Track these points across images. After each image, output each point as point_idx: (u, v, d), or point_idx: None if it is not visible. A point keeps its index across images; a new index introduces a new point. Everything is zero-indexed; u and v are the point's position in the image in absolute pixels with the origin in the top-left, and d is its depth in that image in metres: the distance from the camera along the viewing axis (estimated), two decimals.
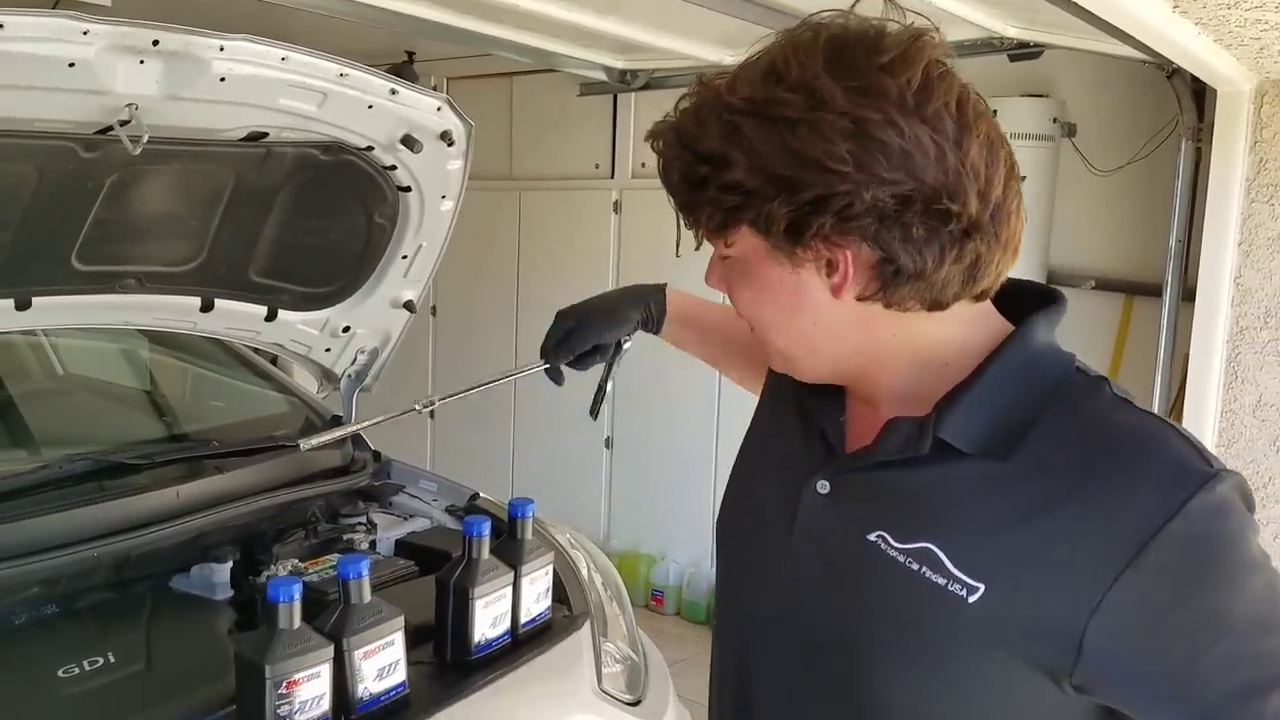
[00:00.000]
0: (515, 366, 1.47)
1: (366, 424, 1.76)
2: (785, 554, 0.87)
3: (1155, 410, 0.84)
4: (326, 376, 2.31)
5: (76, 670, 1.48)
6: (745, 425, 1.05)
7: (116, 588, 1.74)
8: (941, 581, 0.76)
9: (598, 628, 1.85)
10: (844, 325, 0.80)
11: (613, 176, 4.42)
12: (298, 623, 1.30)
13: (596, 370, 1.38)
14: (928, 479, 0.79)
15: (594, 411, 1.44)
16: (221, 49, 1.43)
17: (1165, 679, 0.72)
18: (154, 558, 1.77)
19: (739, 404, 1.11)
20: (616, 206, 4.38)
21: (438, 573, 1.61)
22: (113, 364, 2.59)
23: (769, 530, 0.90)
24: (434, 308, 4.90)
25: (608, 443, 4.56)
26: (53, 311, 1.76)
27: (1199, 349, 2.92)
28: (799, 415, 0.91)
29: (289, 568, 1.82)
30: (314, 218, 1.93)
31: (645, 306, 1.32)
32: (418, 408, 1.58)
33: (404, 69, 4.11)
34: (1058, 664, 0.73)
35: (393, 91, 1.67)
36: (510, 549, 1.65)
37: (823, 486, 0.85)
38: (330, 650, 1.32)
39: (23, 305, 1.69)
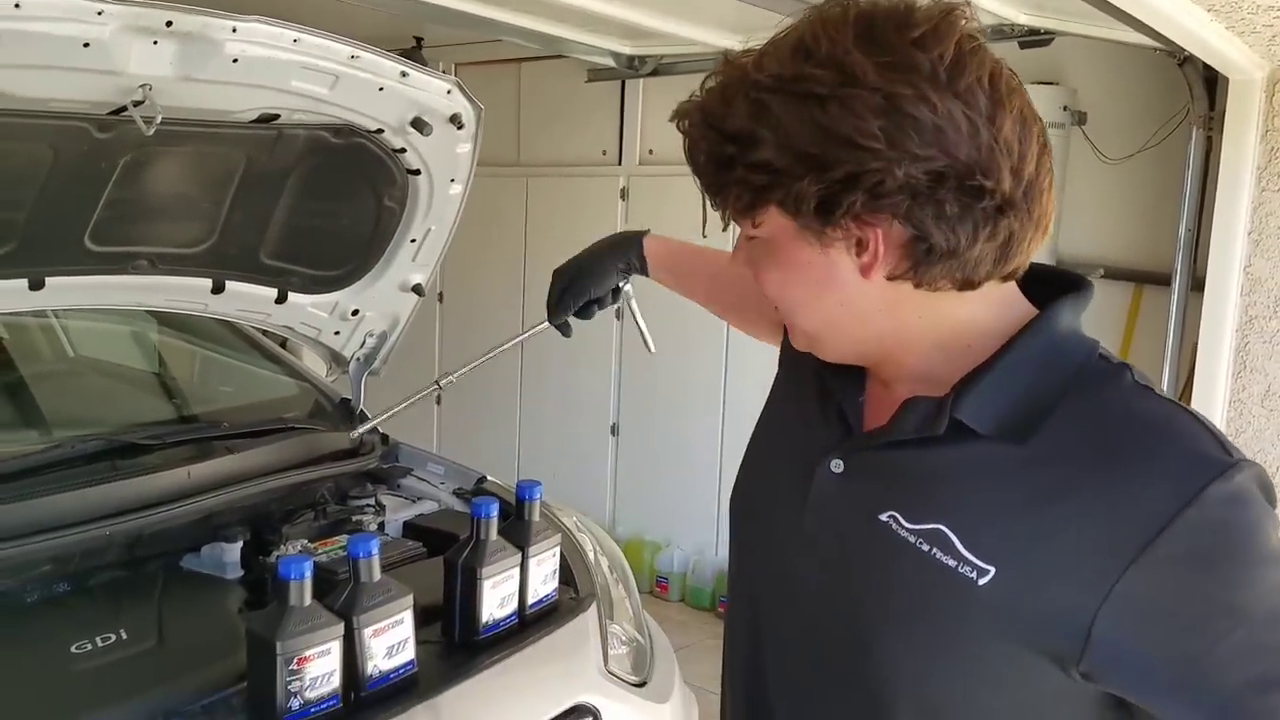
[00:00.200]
0: (523, 330, 1.61)
1: (402, 405, 1.86)
2: (797, 532, 0.87)
3: None
4: (335, 359, 2.32)
5: (89, 646, 1.49)
6: (752, 413, 1.05)
7: (128, 566, 1.75)
8: (952, 563, 0.76)
9: (604, 610, 1.86)
10: (872, 305, 0.79)
11: (620, 163, 4.42)
12: (308, 600, 1.31)
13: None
14: (942, 460, 0.79)
15: (647, 345, 1.65)
16: (234, 30, 1.44)
17: (1176, 669, 0.72)
18: (165, 537, 1.78)
19: (746, 392, 1.12)
20: (624, 193, 4.38)
21: (446, 553, 1.62)
22: (123, 346, 2.61)
23: (781, 508, 0.90)
24: (441, 294, 4.91)
25: (613, 429, 4.57)
26: (66, 292, 1.77)
27: (1208, 338, 2.91)
28: (818, 393, 0.91)
29: (298, 548, 1.83)
30: (324, 200, 1.94)
31: (626, 258, 1.40)
32: (441, 384, 1.79)
33: (412, 55, 4.11)
34: (1065, 651, 0.73)
35: (403, 74, 1.67)
36: (518, 530, 1.65)
37: (836, 465, 0.85)
38: (340, 628, 1.33)
39: (36, 285, 1.70)
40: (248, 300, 2.03)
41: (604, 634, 1.80)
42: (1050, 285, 0.83)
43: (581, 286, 1.43)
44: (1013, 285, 0.81)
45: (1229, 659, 0.71)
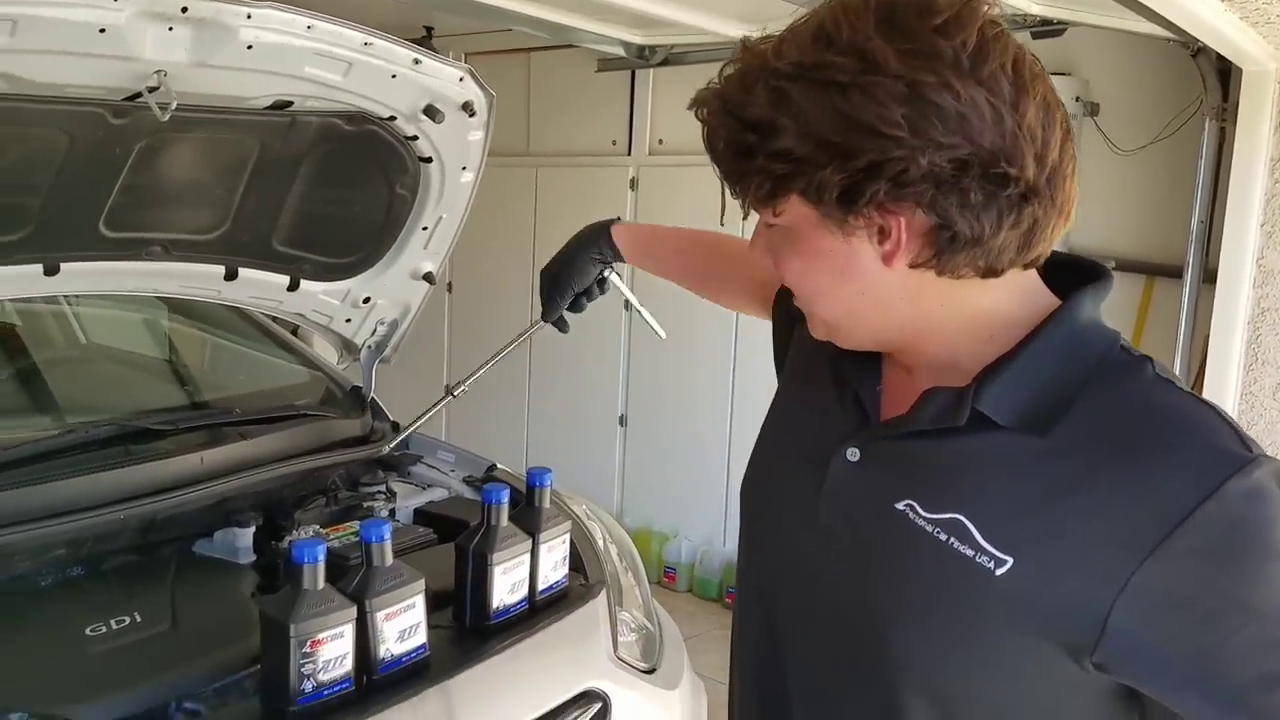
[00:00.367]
0: (524, 328, 1.71)
1: (425, 417, 2.03)
2: (810, 521, 0.87)
3: None
4: (347, 347, 2.33)
5: (103, 629, 1.50)
6: (760, 404, 1.04)
7: (141, 550, 1.77)
8: (969, 553, 0.76)
9: (613, 597, 1.87)
10: (893, 294, 0.79)
11: (630, 153, 4.41)
12: (321, 584, 1.31)
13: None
14: (961, 450, 0.79)
15: (656, 332, 1.76)
16: (249, 16, 1.44)
17: (1189, 662, 0.72)
18: (178, 521, 1.79)
19: (754, 383, 1.12)
20: (633, 184, 4.38)
21: (457, 539, 1.63)
22: (134, 334, 2.62)
23: (795, 496, 0.90)
24: (450, 284, 4.92)
25: (622, 420, 4.58)
26: (80, 277, 1.78)
27: (1219, 330, 2.90)
28: (834, 381, 0.90)
29: (310, 533, 1.84)
30: (336, 188, 1.94)
31: (599, 249, 1.46)
32: (455, 393, 1.92)
33: (422, 44, 4.11)
34: (1080, 641, 0.73)
35: (416, 61, 1.68)
36: (528, 517, 1.66)
37: (853, 454, 0.85)
38: (353, 611, 1.34)
39: (51, 270, 1.71)
40: (260, 287, 2.04)
41: (613, 621, 1.81)
42: (1069, 273, 0.83)
43: (564, 283, 1.51)
44: (1034, 273, 0.81)
45: (1240, 654, 0.71)
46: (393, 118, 1.78)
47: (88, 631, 1.49)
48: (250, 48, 1.47)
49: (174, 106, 1.46)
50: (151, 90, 1.44)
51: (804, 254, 0.81)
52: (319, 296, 2.12)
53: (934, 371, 0.82)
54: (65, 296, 2.35)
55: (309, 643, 1.29)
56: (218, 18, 1.42)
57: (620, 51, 3.98)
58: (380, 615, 1.38)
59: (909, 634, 0.80)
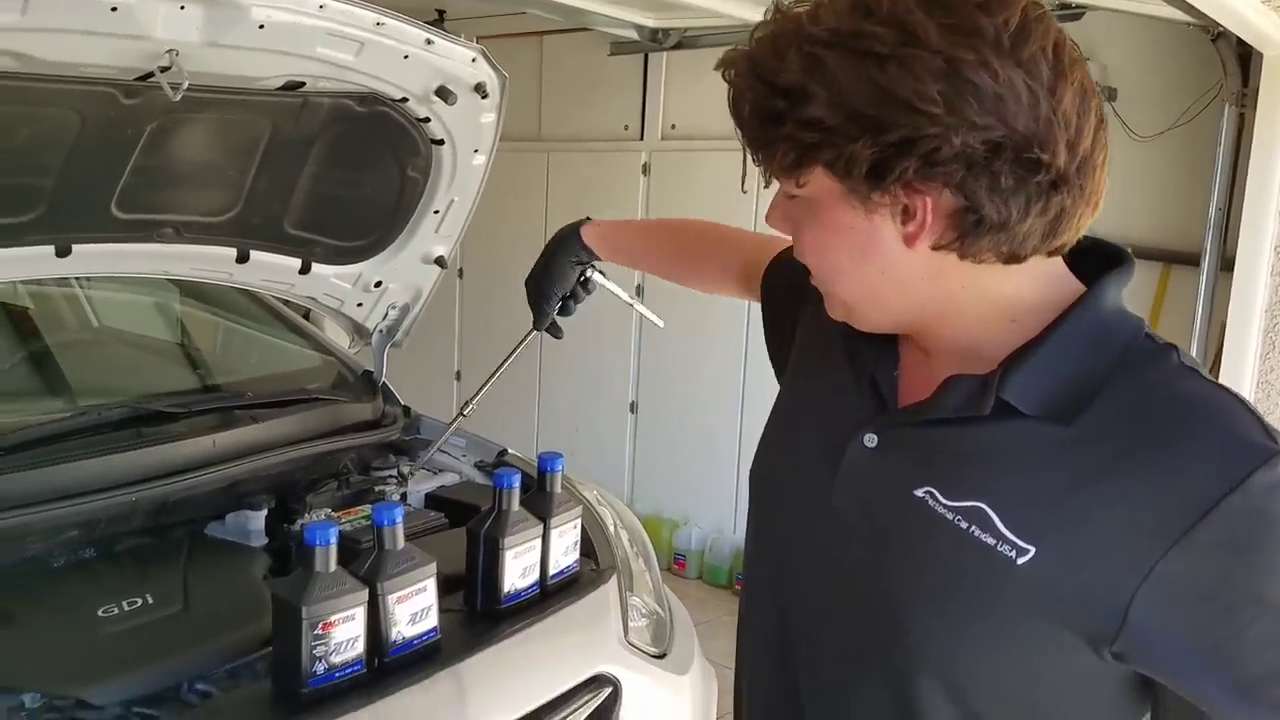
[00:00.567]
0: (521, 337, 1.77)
1: (446, 434, 2.10)
2: (824, 507, 0.86)
3: None
4: (358, 331, 2.33)
5: (115, 610, 1.51)
6: (772, 390, 1.03)
7: (153, 533, 1.77)
8: (991, 542, 0.75)
9: (624, 582, 1.86)
10: (914, 275, 0.77)
11: (642, 138, 4.39)
12: (333, 566, 1.31)
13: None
14: (983, 438, 0.78)
15: (653, 322, 1.87)
16: None
17: (1207, 652, 0.72)
18: (190, 504, 1.80)
19: (765, 371, 1.10)
20: (645, 169, 4.36)
21: (468, 523, 1.63)
22: (146, 317, 2.62)
23: (808, 482, 0.89)
24: (461, 269, 4.91)
25: (632, 407, 4.58)
26: (92, 259, 1.77)
27: (1236, 318, 2.88)
28: (849, 364, 0.89)
29: (322, 516, 1.84)
30: (348, 170, 1.94)
31: (574, 252, 1.49)
32: (465, 412, 2.01)
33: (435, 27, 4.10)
34: (1100, 631, 0.73)
35: (428, 42, 1.66)
36: (539, 502, 1.66)
37: (869, 440, 0.84)
38: (365, 594, 1.34)
39: (63, 252, 1.70)
40: (271, 270, 2.03)
41: (624, 606, 1.81)
42: (1090, 257, 0.81)
43: (548, 290, 1.54)
44: (1058, 259, 0.80)
45: (1257, 645, 0.71)
46: (405, 99, 1.77)
47: (100, 613, 1.49)
48: (262, 27, 1.46)
49: (186, 86, 1.45)
50: (163, 70, 1.43)
51: (823, 227, 0.79)
52: (330, 280, 2.11)
53: (953, 356, 0.81)
54: (77, 279, 2.35)
55: (321, 625, 1.29)
56: None
57: (633, 35, 3.96)
58: (392, 598, 1.38)
59: (926, 622, 0.79)
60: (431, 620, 1.44)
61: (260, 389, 2.18)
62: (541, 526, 1.63)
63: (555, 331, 1.63)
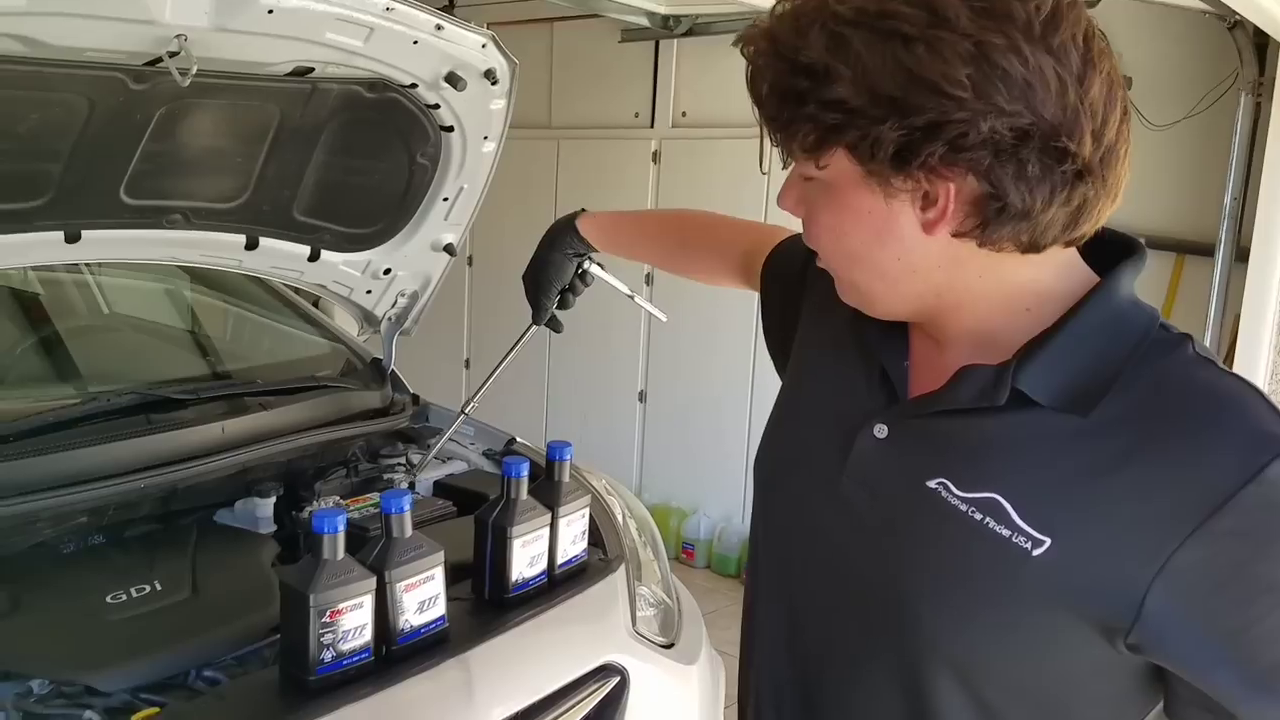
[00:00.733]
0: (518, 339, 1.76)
1: (447, 434, 2.04)
2: (833, 498, 0.85)
3: None
4: (367, 319, 2.33)
5: (124, 597, 1.51)
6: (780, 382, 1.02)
7: (162, 519, 1.78)
8: (1006, 533, 0.74)
9: (632, 571, 1.86)
10: (930, 262, 0.76)
11: (652, 126, 4.38)
12: (341, 554, 1.31)
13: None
14: (998, 428, 0.77)
15: (656, 315, 1.90)
16: None
17: (1221, 643, 0.71)
18: (199, 491, 1.80)
19: None
20: (655, 157, 4.34)
21: (477, 512, 1.62)
22: (157, 304, 2.63)
23: (816, 472, 0.88)
24: (470, 257, 4.91)
25: (641, 396, 4.57)
26: (101, 245, 1.77)
27: (1250, 310, 2.86)
28: (858, 354, 0.88)
29: (331, 504, 1.84)
30: (357, 157, 1.93)
31: (570, 245, 1.47)
32: (467, 412, 1.98)
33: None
34: (1116, 622, 0.72)
35: (438, 27, 1.65)
36: (548, 491, 1.65)
37: (880, 431, 0.83)
38: (373, 581, 1.33)
39: (72, 238, 1.70)
40: (281, 257, 2.03)
41: (632, 595, 1.80)
42: (1101, 245, 0.80)
43: (545, 284, 1.53)
44: (1074, 250, 0.79)
45: (1270, 637, 0.70)
46: (414, 85, 1.76)
47: (108, 599, 1.50)
48: (271, 12, 1.45)
49: (194, 72, 1.44)
50: (172, 55, 1.42)
51: (840, 210, 0.78)
52: (339, 267, 2.11)
53: (966, 344, 0.80)
54: (87, 265, 2.35)
55: (329, 613, 1.29)
56: None
57: (644, 21, 3.94)
58: (400, 586, 1.38)
59: (938, 613, 0.78)
60: (439, 609, 1.44)
61: (270, 376, 2.18)
62: (550, 515, 1.63)
63: (555, 325, 1.62)
